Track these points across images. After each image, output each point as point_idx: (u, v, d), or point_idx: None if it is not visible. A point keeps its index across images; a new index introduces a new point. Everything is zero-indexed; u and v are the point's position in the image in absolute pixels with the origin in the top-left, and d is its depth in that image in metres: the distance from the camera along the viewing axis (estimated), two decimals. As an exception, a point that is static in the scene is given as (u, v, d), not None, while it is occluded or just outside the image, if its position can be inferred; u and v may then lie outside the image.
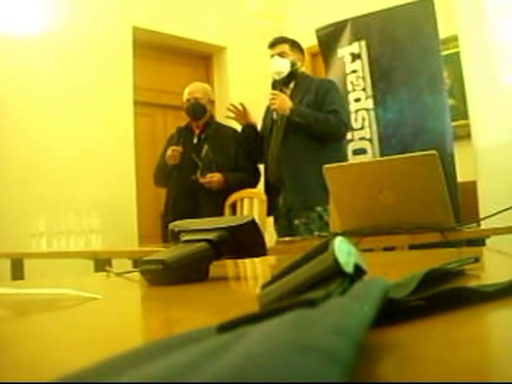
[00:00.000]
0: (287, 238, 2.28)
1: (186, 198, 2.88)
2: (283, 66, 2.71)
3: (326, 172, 1.65)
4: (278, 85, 2.70)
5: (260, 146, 2.85)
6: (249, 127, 2.87)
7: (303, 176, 2.59)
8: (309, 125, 2.56)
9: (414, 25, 3.31)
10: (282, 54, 2.74)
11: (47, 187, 3.50)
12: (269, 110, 2.84)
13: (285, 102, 2.58)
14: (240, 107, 2.87)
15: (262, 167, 2.99)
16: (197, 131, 3.01)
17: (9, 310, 0.51)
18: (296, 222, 2.62)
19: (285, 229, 2.68)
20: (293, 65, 2.73)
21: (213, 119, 3.09)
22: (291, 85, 2.75)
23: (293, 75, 2.73)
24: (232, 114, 2.90)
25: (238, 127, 3.00)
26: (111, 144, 3.84)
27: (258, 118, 2.94)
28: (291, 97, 2.67)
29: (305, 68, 3.00)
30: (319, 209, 2.54)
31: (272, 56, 2.76)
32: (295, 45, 2.82)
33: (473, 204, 3.04)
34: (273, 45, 2.79)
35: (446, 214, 1.48)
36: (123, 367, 0.17)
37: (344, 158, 2.79)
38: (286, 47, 2.77)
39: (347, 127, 2.74)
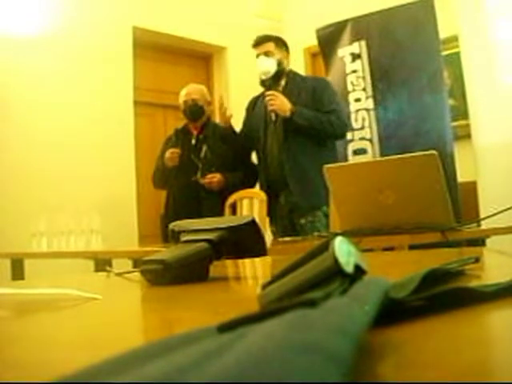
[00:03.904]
0: (287, 238, 2.27)
1: (187, 199, 2.88)
2: (270, 66, 2.67)
3: (326, 172, 1.65)
4: (267, 84, 2.66)
5: (245, 145, 2.84)
6: (227, 130, 2.83)
7: (307, 176, 2.58)
8: (311, 126, 2.54)
9: (414, 25, 3.31)
10: (267, 54, 2.70)
11: (47, 187, 3.50)
12: (253, 109, 2.82)
13: (284, 104, 2.55)
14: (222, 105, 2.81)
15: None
16: (195, 132, 3.01)
17: (9, 310, 0.51)
18: (302, 221, 2.61)
19: (286, 229, 2.67)
20: (279, 64, 2.69)
21: (210, 120, 3.09)
22: (282, 82, 2.71)
23: (279, 74, 2.70)
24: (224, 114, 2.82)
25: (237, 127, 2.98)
26: (111, 144, 3.83)
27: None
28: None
29: (295, 66, 2.96)
30: (324, 208, 2.52)
31: (258, 56, 2.72)
32: (280, 43, 2.78)
33: (473, 204, 3.03)
34: (257, 44, 2.75)
35: (446, 213, 1.48)
36: (123, 367, 0.17)
37: (339, 156, 2.84)
38: (271, 46, 2.73)
39: (347, 126, 2.77)
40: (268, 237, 2.59)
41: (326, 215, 2.49)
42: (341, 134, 2.67)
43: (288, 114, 2.54)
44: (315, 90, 2.64)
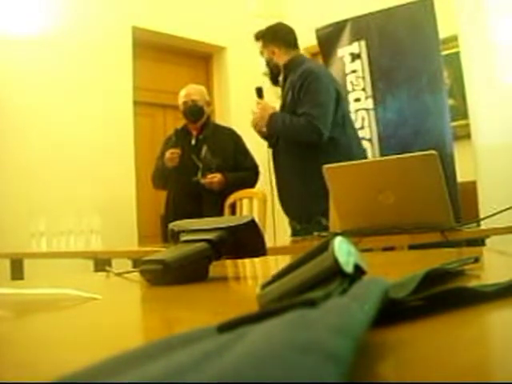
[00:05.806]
0: (287, 239, 2.26)
1: (188, 199, 2.89)
2: (263, 68, 2.59)
3: (325, 172, 1.65)
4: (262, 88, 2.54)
5: None
6: (226, 130, 2.76)
7: (291, 187, 2.44)
8: (278, 132, 2.39)
9: (413, 25, 3.31)
10: (261, 54, 2.61)
11: (47, 187, 3.50)
12: None
13: (264, 111, 2.38)
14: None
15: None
16: (194, 133, 3.01)
17: (9, 310, 0.51)
18: (297, 227, 2.56)
19: (293, 229, 2.62)
20: (267, 63, 2.56)
21: (210, 120, 3.10)
22: (280, 78, 2.56)
23: (275, 71, 2.55)
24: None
25: (237, 127, 2.98)
26: (111, 144, 3.84)
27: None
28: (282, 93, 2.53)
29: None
30: (317, 218, 2.35)
31: None
32: (268, 37, 2.57)
33: (473, 204, 3.04)
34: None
35: (446, 213, 1.48)
36: (123, 367, 0.17)
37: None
38: (260, 45, 2.60)
39: (320, 131, 2.25)
40: (268, 237, 2.56)
41: (321, 223, 2.32)
42: (312, 140, 2.28)
43: (267, 119, 2.38)
44: (294, 89, 2.39)
